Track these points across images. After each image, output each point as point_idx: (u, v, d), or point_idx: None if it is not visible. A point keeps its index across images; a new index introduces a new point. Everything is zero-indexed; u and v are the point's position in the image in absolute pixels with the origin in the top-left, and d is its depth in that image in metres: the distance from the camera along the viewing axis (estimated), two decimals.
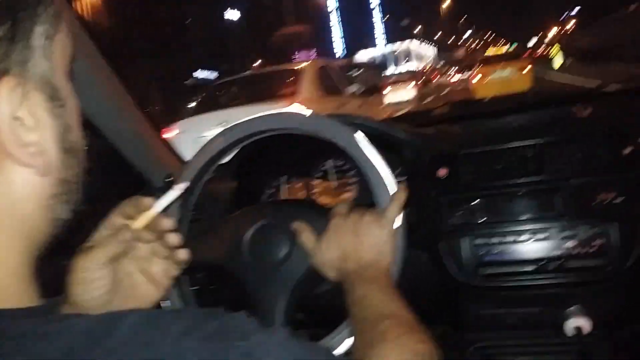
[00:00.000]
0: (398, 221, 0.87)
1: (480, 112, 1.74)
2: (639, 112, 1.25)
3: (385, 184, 0.90)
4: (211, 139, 1.04)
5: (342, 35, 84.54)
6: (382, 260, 0.82)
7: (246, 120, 1.02)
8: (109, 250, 0.65)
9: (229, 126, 1.05)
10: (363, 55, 76.55)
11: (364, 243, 0.82)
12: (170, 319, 0.39)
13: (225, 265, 0.97)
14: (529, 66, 15.07)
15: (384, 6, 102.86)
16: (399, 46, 74.83)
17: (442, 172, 1.19)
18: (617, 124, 1.15)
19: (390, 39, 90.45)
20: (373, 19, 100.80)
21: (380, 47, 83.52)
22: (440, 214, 1.18)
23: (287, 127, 0.99)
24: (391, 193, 0.89)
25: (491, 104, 2.19)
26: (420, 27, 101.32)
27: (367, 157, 0.91)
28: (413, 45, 76.30)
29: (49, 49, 0.43)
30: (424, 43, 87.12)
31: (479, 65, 16.67)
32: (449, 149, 1.22)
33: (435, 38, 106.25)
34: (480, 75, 15.31)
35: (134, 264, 0.72)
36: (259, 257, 0.93)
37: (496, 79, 14.57)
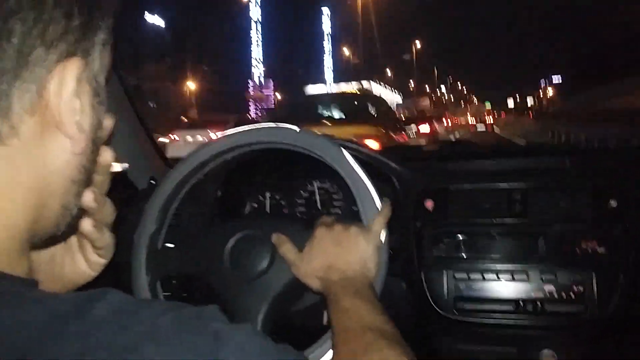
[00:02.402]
0: (382, 236, 0.87)
1: (471, 152, 1.78)
2: (625, 169, 1.28)
3: (370, 200, 0.90)
4: (195, 149, 1.02)
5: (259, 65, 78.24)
6: (367, 273, 0.82)
7: (235, 133, 1.01)
8: None
9: (218, 137, 1.03)
10: (312, 91, 64.59)
11: (349, 254, 0.82)
12: (146, 302, 0.43)
13: (204, 277, 0.95)
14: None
15: (335, 46, 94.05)
16: (354, 87, 64.02)
17: (429, 204, 1.20)
18: (604, 178, 1.19)
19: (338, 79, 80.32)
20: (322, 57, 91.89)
21: (331, 86, 73.73)
22: (424, 245, 1.18)
23: (276, 141, 0.99)
24: (376, 209, 0.89)
25: (481, 146, 2.24)
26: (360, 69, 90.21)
27: (353, 173, 0.92)
28: (373, 87, 65.68)
29: (104, 52, 0.49)
30: (386, 87, 77.10)
31: None
32: (439, 184, 1.23)
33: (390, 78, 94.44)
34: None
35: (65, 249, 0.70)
36: (239, 268, 0.92)
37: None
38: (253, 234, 0.94)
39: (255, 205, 1.46)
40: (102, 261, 0.69)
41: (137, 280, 0.96)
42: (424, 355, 1.33)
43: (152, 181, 1.35)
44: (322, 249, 0.84)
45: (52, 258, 0.67)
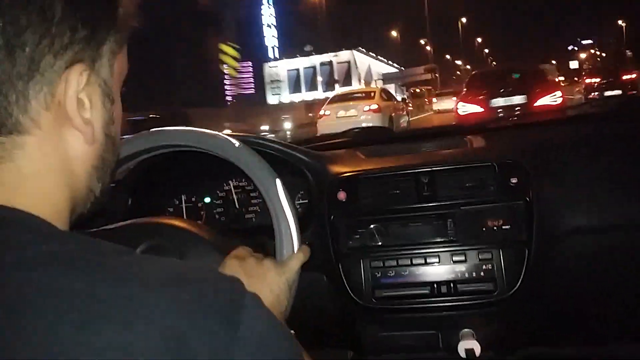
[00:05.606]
0: (296, 275, 0.84)
1: (379, 138, 1.79)
2: (526, 143, 1.31)
3: (289, 237, 0.87)
4: None
5: None
6: (279, 308, 0.79)
7: (132, 138, 0.98)
8: None
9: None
10: (282, 66, 54.03)
11: (260, 286, 0.78)
12: None
13: None
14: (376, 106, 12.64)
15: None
16: (335, 58, 50.31)
17: (342, 195, 1.19)
18: (505, 156, 1.21)
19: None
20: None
21: (308, 58, 54.65)
22: (339, 236, 1.18)
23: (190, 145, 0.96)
24: (293, 248, 0.86)
25: (391, 131, 2.24)
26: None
27: (282, 206, 0.88)
28: (357, 58, 50.06)
29: (112, 61, 0.56)
30: (377, 58, 58.65)
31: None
32: (349, 173, 1.23)
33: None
34: (328, 112, 13.06)
35: None
36: None
37: (342, 117, 12.50)
38: (159, 244, 0.86)
39: (172, 210, 1.42)
40: None
41: None
42: (351, 345, 1.35)
43: None
44: None
45: None
